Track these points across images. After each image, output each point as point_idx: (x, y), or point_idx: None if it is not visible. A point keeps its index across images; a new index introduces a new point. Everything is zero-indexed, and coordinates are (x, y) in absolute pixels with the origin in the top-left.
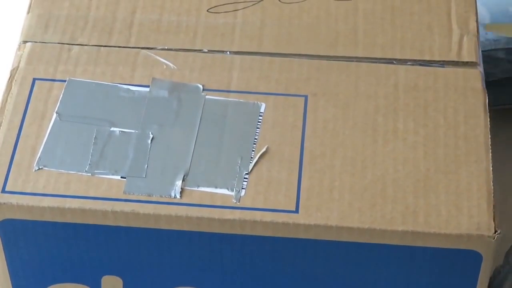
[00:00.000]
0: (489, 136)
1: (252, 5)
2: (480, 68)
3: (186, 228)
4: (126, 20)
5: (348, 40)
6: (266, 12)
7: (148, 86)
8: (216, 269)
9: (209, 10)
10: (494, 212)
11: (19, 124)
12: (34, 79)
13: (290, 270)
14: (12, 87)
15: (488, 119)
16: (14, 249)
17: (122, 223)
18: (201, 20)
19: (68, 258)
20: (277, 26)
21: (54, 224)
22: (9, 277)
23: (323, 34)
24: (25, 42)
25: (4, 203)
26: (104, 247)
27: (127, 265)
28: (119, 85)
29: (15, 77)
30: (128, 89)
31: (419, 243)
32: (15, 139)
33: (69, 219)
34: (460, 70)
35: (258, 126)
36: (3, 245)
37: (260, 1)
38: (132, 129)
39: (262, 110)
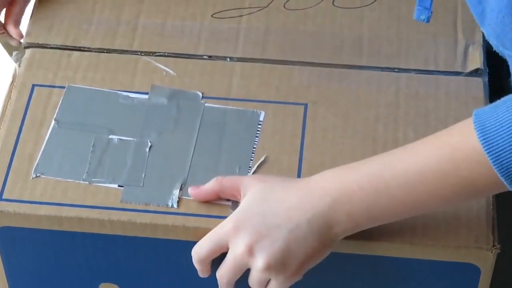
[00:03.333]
0: None
1: (257, 11)
2: (484, 77)
3: (183, 237)
4: (130, 24)
5: (352, 48)
6: (271, 18)
7: (147, 93)
8: (213, 279)
9: (213, 16)
10: (493, 225)
11: (18, 131)
12: (33, 85)
13: None
14: (12, 93)
15: None
16: (12, 256)
17: (119, 231)
18: (206, 25)
19: (65, 266)
20: (281, 32)
21: (52, 232)
22: (7, 284)
23: (328, 41)
24: (26, 45)
25: (1, 211)
26: (102, 255)
27: (124, 273)
28: (118, 92)
29: (15, 83)
30: (128, 96)
31: (416, 255)
32: (13, 146)
33: (66, 227)
34: (462, 78)
35: (257, 134)
36: (1, 252)
37: (265, 8)
38: (131, 137)
39: (261, 118)
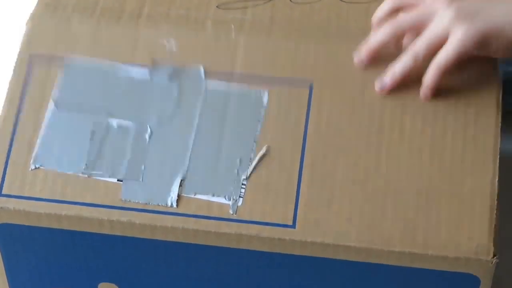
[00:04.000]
0: (499, 140)
1: (263, 3)
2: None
3: (182, 239)
4: (134, 12)
5: (358, 39)
6: (276, 11)
7: (149, 67)
8: (211, 281)
9: (218, 6)
10: (494, 236)
11: (16, 115)
12: (31, 60)
13: (286, 285)
14: (13, 71)
15: (500, 119)
16: (12, 253)
17: (118, 232)
18: (210, 14)
19: (65, 264)
20: (286, 25)
21: (51, 230)
22: (7, 281)
23: (333, 33)
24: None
25: (1, 208)
26: (101, 255)
27: (124, 273)
28: (118, 66)
29: (16, 61)
30: (128, 71)
31: (416, 264)
32: (11, 132)
33: (65, 225)
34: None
35: (260, 119)
36: (1, 249)
37: (270, 1)
38: (130, 120)
39: (265, 101)
